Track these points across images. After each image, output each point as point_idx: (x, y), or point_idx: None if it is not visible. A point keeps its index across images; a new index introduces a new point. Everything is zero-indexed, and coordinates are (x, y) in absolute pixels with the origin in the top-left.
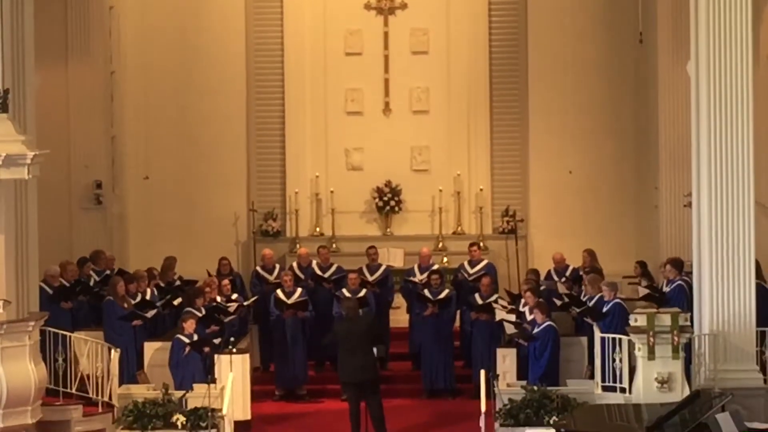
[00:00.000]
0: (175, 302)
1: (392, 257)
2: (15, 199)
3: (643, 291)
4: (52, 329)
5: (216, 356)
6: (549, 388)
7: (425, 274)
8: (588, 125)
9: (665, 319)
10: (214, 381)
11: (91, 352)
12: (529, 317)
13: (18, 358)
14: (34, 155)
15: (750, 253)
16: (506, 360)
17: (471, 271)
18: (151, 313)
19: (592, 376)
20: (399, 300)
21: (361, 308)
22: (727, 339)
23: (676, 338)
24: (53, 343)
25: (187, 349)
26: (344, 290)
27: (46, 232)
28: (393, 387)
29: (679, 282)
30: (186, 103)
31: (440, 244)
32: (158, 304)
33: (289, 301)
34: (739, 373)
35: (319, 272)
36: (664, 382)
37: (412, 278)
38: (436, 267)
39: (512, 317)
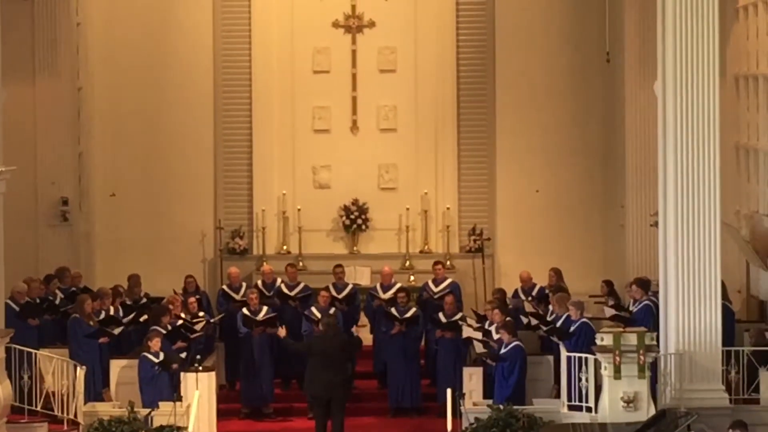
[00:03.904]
0: (142, 319)
1: (359, 276)
2: None
3: (609, 311)
4: (18, 346)
5: (182, 374)
6: (515, 407)
7: (388, 293)
8: (555, 144)
9: (631, 339)
10: (180, 399)
11: (57, 370)
12: (495, 336)
13: None
14: (0, 172)
15: (716, 272)
16: (473, 379)
17: (435, 290)
18: (117, 330)
19: (558, 396)
20: (364, 318)
21: None
22: (693, 358)
23: (642, 357)
24: (18, 361)
25: (157, 369)
26: (313, 308)
27: (12, 248)
28: (359, 405)
29: (646, 302)
30: (153, 120)
31: (407, 263)
32: (124, 320)
33: (258, 318)
34: (705, 392)
35: (285, 290)
36: (630, 402)
37: (375, 294)
38: (399, 285)
39: (479, 335)
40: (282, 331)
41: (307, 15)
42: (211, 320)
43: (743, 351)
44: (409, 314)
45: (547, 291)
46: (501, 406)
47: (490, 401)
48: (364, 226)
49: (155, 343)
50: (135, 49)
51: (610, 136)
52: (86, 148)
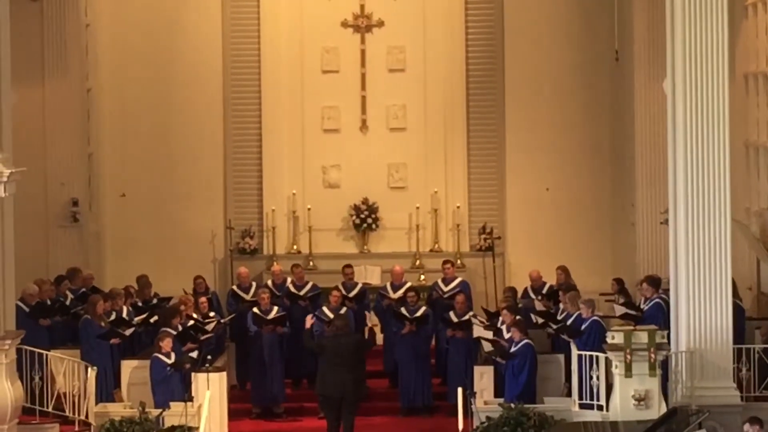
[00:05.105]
0: (152, 320)
1: (369, 275)
2: None
3: (620, 309)
4: (29, 348)
5: (193, 374)
6: (526, 405)
7: (399, 292)
8: (565, 142)
9: (642, 337)
10: (191, 399)
11: (68, 371)
12: (506, 335)
13: None
14: (11, 173)
15: (727, 270)
16: (483, 377)
17: (445, 289)
18: (128, 331)
19: (569, 394)
20: (374, 318)
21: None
22: (704, 356)
23: (652, 355)
24: (30, 362)
25: (170, 369)
26: (324, 308)
27: (23, 249)
28: (370, 405)
29: (657, 300)
30: (163, 121)
31: (417, 262)
32: (135, 321)
33: (268, 317)
34: (716, 390)
35: (294, 290)
36: (641, 400)
37: (385, 293)
38: (409, 284)
39: (489, 334)
40: (309, 321)
41: (316, 15)
42: (222, 320)
43: (754, 348)
44: (419, 314)
45: (555, 289)
46: (512, 405)
47: (502, 400)
48: (374, 226)
49: (166, 344)
50: (144, 49)
51: (619, 134)
52: (96, 149)
